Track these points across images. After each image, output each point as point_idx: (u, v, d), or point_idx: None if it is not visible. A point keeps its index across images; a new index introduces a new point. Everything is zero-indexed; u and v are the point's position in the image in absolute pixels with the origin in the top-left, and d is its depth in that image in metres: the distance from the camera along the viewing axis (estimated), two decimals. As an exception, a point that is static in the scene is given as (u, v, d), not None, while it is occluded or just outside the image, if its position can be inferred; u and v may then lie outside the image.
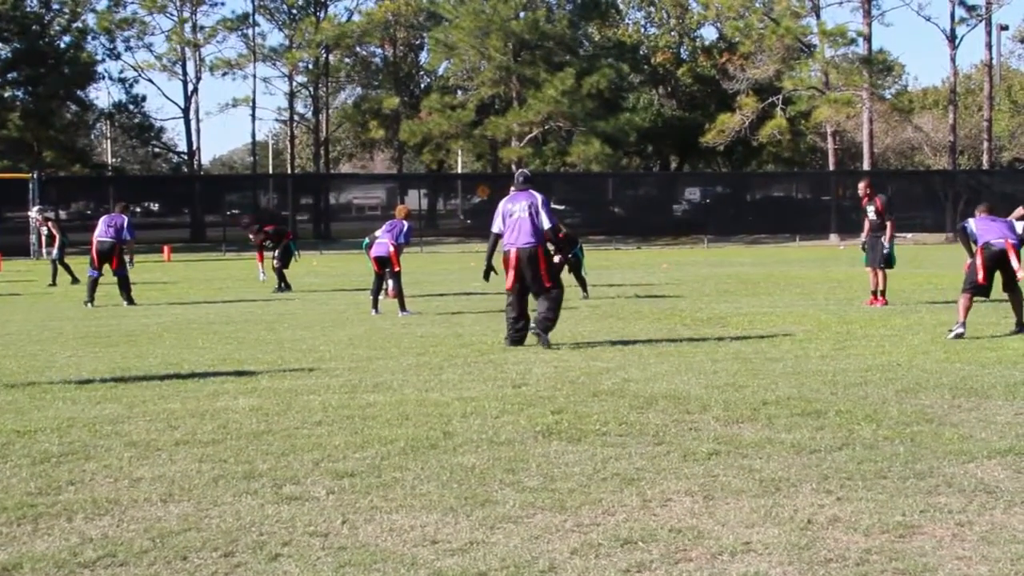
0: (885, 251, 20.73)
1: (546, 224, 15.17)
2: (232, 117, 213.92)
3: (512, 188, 15.66)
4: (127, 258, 24.42)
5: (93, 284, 23.85)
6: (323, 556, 6.30)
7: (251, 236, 27.60)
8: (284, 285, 26.45)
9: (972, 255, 16.38)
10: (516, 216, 15.22)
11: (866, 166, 62.02)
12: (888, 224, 20.93)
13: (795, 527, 6.67)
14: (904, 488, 7.45)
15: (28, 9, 65.46)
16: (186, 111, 68.89)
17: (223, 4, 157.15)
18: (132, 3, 68.35)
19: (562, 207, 63.06)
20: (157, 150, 77.39)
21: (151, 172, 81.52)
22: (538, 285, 15.13)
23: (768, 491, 7.44)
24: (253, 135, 79.84)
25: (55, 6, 67.19)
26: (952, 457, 8.29)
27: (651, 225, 60.58)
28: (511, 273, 15.22)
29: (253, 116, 70.87)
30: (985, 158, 64.89)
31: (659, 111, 73.12)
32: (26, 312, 22.92)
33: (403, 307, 20.27)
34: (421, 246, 53.35)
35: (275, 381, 12.26)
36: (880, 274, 20.81)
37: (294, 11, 70.15)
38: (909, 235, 56.49)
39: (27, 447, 9.04)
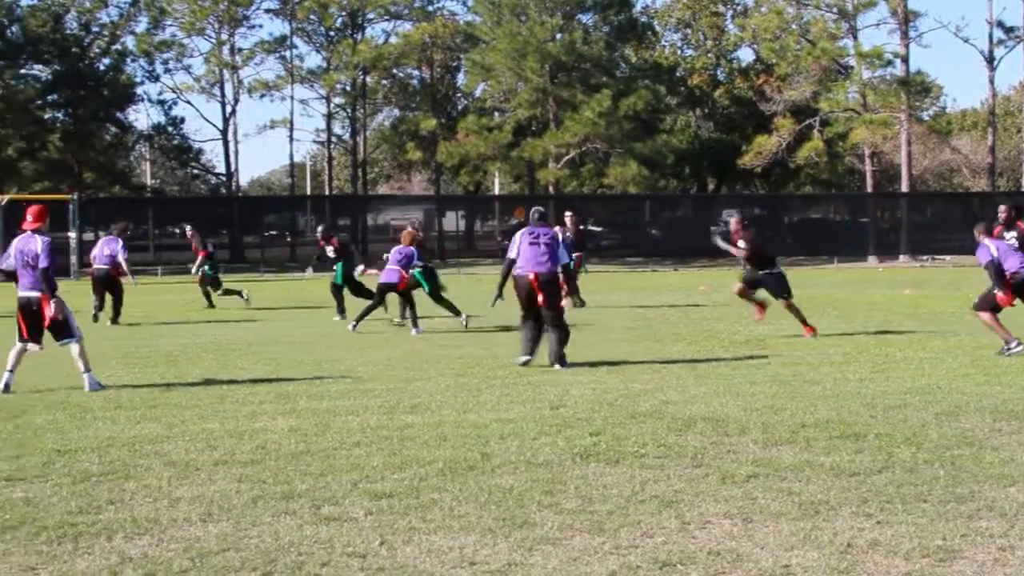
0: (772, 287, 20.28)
1: (564, 259, 15.90)
2: (270, 138, 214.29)
3: (531, 223, 16.16)
4: (129, 278, 24.95)
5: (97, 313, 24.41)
6: (362, 577, 6.32)
7: (322, 242, 26.34)
8: (343, 309, 24.71)
9: (1003, 288, 16.24)
10: (536, 244, 15.69)
11: (904, 188, 61.81)
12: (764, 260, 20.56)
13: (834, 550, 6.64)
14: (945, 512, 7.41)
15: (68, 31, 65.96)
16: (224, 132, 69.15)
17: (261, 26, 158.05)
18: (171, 25, 68.75)
19: (599, 229, 63.03)
20: (196, 171, 77.65)
21: (189, 193, 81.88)
22: (550, 307, 15.51)
23: (807, 514, 7.41)
24: (291, 156, 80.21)
25: (95, 29, 67.69)
26: (993, 481, 8.25)
27: (688, 247, 60.26)
28: (524, 296, 15.67)
29: (291, 137, 70.93)
30: (1024, 180, 64.55)
31: (696, 133, 73.06)
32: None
33: (415, 325, 20.75)
34: (458, 267, 53.37)
35: (313, 402, 12.29)
36: (787, 304, 20.09)
37: (332, 33, 70.34)
38: (948, 257, 56.27)
39: (67, 466, 9.10)
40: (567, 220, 29.44)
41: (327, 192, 77.91)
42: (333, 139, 74.34)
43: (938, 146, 69.46)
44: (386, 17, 70.95)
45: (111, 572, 6.44)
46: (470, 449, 9.53)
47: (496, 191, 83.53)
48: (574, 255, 26.72)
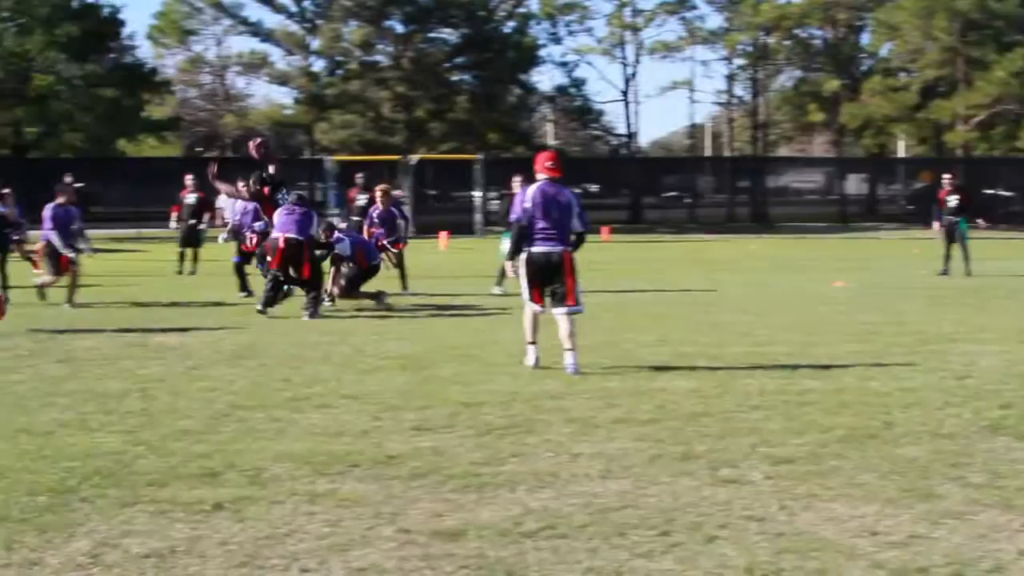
0: None
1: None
2: (670, 100, 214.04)
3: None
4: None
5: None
6: (760, 540, 6.29)
7: None
8: None
9: None
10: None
11: None
12: None
13: None
14: None
15: (475, -4, 67.82)
16: (625, 94, 69.78)
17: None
18: (574, -12, 69.70)
19: (1009, 194, 60.64)
20: (597, 132, 78.57)
21: (591, 154, 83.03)
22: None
23: None
24: (691, 118, 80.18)
25: (500, -8, 69.33)
26: None
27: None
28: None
29: (691, 99, 71.27)
30: None
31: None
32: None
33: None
34: (860, 232, 52.35)
35: (712, 363, 12.27)
36: None
37: (735, -7, 69.92)
38: None
39: (472, 418, 9.40)
40: (945, 183, 26.77)
41: (727, 153, 77.69)
42: (733, 100, 74.05)
43: None
44: (790, -24, 70.01)
45: (514, 522, 6.61)
46: (872, 417, 9.34)
47: (900, 154, 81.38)
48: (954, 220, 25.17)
